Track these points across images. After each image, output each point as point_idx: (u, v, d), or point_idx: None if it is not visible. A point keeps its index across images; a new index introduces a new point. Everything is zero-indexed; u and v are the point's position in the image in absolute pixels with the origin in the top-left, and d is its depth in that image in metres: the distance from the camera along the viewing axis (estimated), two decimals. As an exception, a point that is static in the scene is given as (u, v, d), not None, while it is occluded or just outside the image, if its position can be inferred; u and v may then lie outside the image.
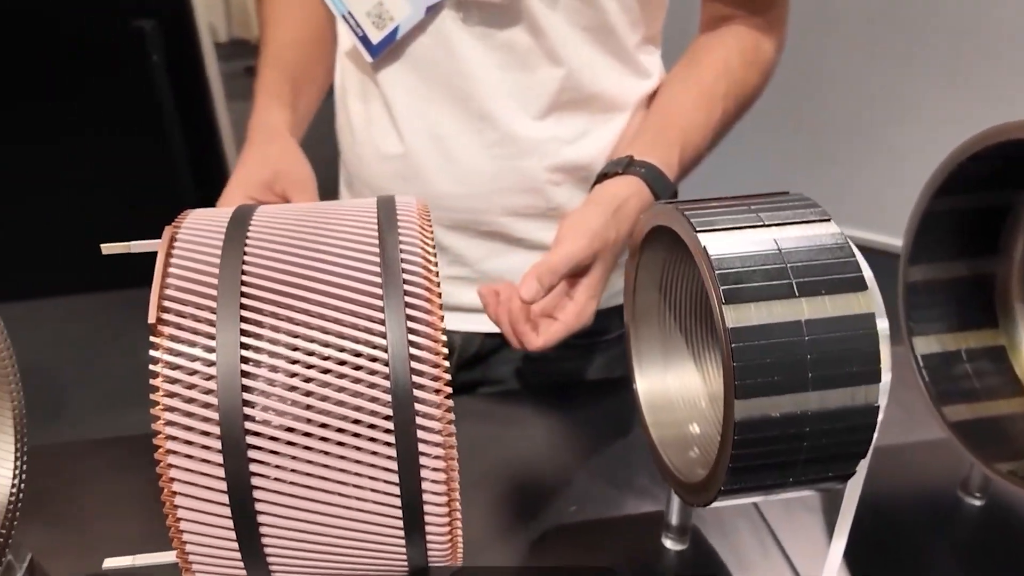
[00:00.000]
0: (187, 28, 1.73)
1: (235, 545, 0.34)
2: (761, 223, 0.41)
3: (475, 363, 0.80)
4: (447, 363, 0.35)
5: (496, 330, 0.69)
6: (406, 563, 0.37)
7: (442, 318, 0.36)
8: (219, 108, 1.82)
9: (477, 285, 0.64)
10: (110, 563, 0.36)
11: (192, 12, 1.73)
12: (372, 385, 0.34)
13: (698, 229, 0.41)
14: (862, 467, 0.43)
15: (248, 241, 0.37)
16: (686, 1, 0.77)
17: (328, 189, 0.82)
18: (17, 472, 0.48)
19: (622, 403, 0.68)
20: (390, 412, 0.34)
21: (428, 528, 0.36)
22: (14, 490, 0.48)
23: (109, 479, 0.63)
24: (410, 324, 0.35)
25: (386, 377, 0.34)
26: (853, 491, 0.45)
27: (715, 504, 0.43)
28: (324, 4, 0.71)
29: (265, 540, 0.34)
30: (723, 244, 0.40)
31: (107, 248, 0.38)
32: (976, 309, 0.60)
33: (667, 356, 0.54)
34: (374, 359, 0.34)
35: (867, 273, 0.41)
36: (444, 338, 0.35)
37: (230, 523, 0.34)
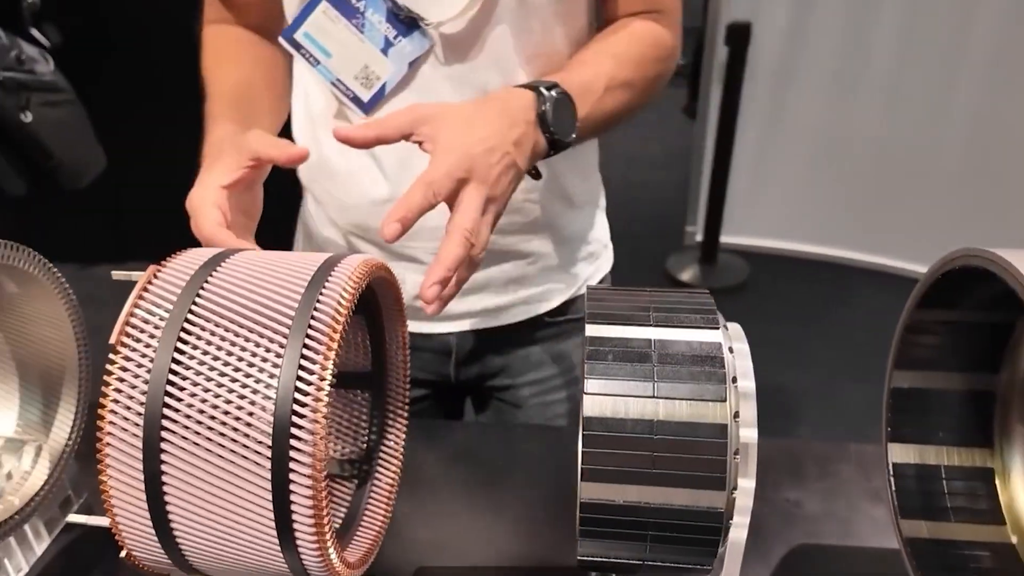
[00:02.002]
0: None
1: (151, 525, 0.44)
2: (648, 322, 0.44)
3: (472, 359, 0.88)
4: (325, 409, 0.42)
5: (486, 325, 0.84)
6: (290, 571, 0.45)
7: (336, 373, 0.43)
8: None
9: (463, 294, 0.68)
10: (73, 519, 0.47)
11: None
12: (260, 418, 0.42)
13: (589, 320, 0.45)
14: (732, 565, 0.45)
15: (205, 285, 0.46)
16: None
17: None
18: (76, 427, 0.61)
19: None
20: (270, 443, 0.42)
21: (300, 549, 0.43)
22: (70, 441, 0.61)
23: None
24: (300, 372, 0.42)
25: (272, 413, 0.42)
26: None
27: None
28: (279, 51, 0.76)
29: (172, 520, 0.44)
30: (605, 337, 0.44)
31: (116, 275, 0.49)
32: (969, 426, 0.57)
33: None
34: (267, 397, 0.42)
35: (744, 384, 0.43)
36: (328, 387, 0.42)
37: (146, 505, 0.43)
